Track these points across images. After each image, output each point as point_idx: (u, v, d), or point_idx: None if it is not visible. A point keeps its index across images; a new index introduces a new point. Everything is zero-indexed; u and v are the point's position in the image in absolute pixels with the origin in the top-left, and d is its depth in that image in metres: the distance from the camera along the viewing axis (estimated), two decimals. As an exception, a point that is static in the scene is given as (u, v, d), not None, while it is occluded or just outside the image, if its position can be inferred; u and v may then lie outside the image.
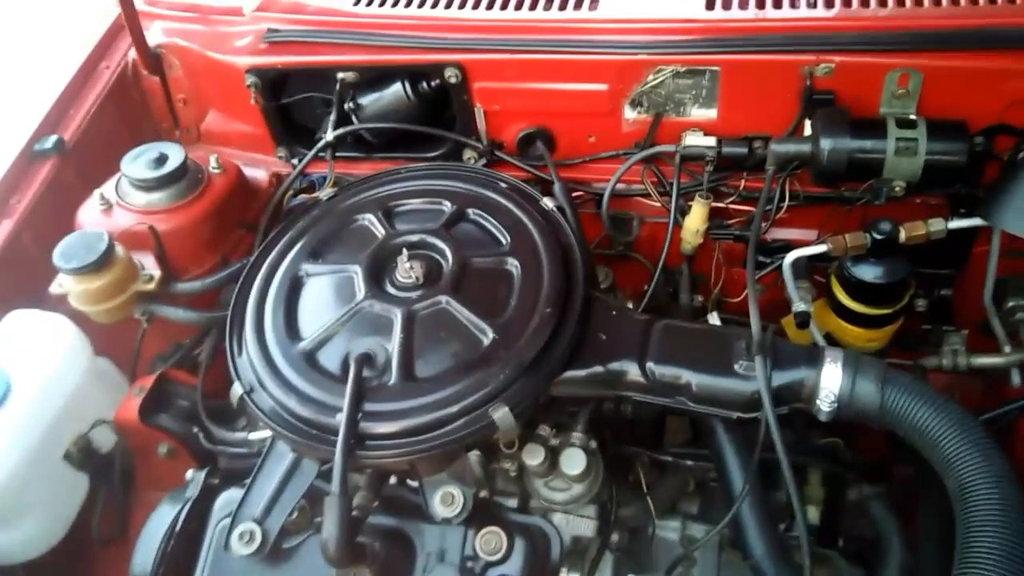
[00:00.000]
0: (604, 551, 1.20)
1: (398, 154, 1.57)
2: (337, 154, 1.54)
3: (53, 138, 1.52)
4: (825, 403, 1.03)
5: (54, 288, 1.36)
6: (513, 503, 1.14)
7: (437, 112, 1.53)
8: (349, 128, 1.50)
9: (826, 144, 1.26)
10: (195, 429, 1.34)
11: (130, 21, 1.56)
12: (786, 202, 1.38)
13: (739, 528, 1.15)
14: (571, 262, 1.18)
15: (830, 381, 1.03)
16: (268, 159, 1.68)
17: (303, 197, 1.56)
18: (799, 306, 1.29)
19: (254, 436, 1.20)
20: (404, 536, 1.08)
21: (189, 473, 1.23)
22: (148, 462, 1.37)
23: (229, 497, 1.16)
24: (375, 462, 1.04)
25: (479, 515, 1.07)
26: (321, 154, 1.52)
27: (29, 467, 1.23)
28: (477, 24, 1.42)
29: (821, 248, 1.29)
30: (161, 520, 1.16)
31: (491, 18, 1.43)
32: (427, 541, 1.07)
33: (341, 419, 1.02)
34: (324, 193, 1.44)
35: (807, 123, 1.33)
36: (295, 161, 1.63)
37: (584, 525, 1.15)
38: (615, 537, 1.21)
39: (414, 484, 1.12)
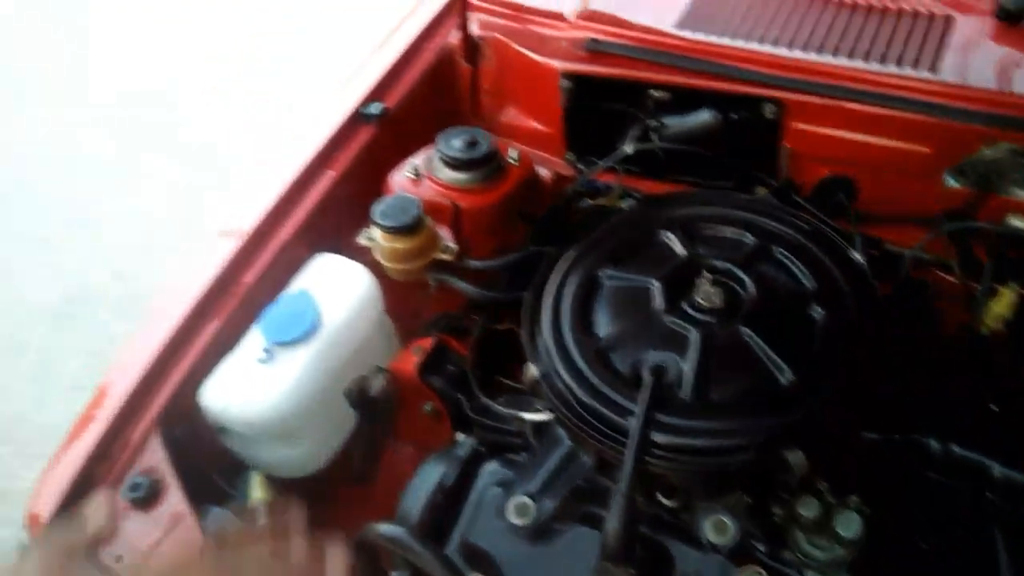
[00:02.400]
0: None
1: (684, 178, 1.60)
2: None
3: (379, 105, 1.68)
4: None
5: (362, 240, 1.50)
6: (761, 547, 1.14)
7: (732, 143, 1.55)
8: (650, 144, 1.54)
9: None
10: (460, 395, 1.43)
11: (462, 11, 1.69)
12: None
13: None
14: (880, 320, 1.16)
15: None
16: (553, 159, 1.76)
17: (586, 201, 1.63)
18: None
19: (528, 416, 1.26)
20: (664, 550, 1.10)
21: (460, 436, 1.32)
22: (410, 416, 1.47)
23: (494, 467, 1.24)
24: (657, 471, 1.07)
25: (738, 551, 1.08)
26: (612, 165, 1.58)
27: (320, 395, 1.37)
28: (803, 65, 1.43)
29: None
30: (432, 472, 1.25)
31: (820, 61, 1.43)
32: (685, 562, 1.09)
33: (633, 421, 1.06)
34: (625, 202, 1.50)
35: None
36: (580, 166, 1.70)
37: (835, 588, 1.13)
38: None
39: (671, 505, 1.15)
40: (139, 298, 3.31)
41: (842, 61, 1.42)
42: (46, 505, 1.23)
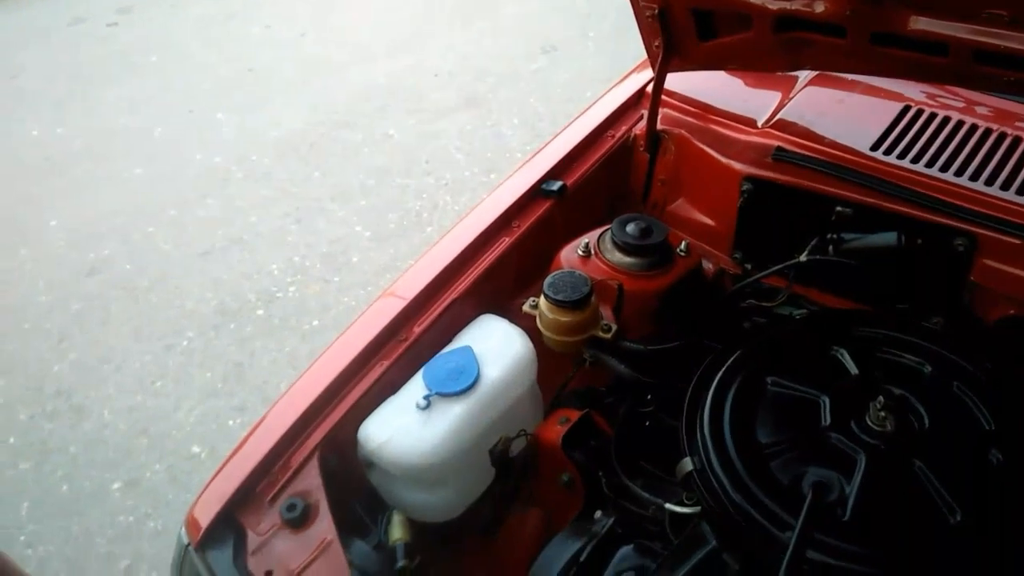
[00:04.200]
0: None
1: (853, 294, 1.58)
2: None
3: (558, 183, 1.75)
4: None
5: (527, 307, 1.56)
6: None
7: (913, 268, 1.52)
8: (825, 257, 1.54)
9: None
10: (599, 471, 1.44)
11: (653, 106, 1.76)
12: None
13: None
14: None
15: None
16: (717, 254, 1.78)
17: (750, 301, 1.63)
18: None
19: (671, 507, 1.26)
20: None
21: (598, 514, 1.33)
22: (546, 483, 1.49)
23: (628, 552, 1.24)
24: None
25: None
26: (782, 270, 1.58)
27: (468, 448, 1.41)
28: (1004, 204, 1.40)
29: None
30: (568, 545, 1.26)
31: (1020, 202, 1.40)
32: None
33: (791, 536, 1.04)
34: (785, 307, 1.50)
35: None
36: (747, 266, 1.72)
37: None
38: None
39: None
40: (283, 318, 3.52)
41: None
42: (207, 512, 1.29)
